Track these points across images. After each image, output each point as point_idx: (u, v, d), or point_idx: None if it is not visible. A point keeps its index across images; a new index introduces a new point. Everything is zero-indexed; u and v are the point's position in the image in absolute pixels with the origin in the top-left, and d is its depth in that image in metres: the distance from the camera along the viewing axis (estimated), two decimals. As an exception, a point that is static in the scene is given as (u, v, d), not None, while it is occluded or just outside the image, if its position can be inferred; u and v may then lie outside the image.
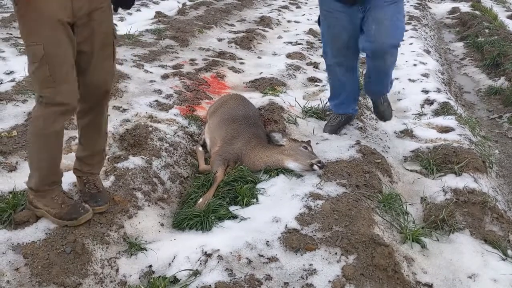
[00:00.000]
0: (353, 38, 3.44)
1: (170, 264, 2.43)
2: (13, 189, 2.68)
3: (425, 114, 4.62)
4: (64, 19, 2.17)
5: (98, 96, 2.46)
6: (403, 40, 3.52)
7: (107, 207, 2.63)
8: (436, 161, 3.45)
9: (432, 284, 2.34)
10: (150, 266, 2.45)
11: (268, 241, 2.53)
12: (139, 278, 2.39)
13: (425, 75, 5.70)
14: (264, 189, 3.11)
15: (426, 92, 5.14)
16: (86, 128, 2.57)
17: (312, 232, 2.61)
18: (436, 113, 4.55)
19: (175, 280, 2.31)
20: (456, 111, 4.54)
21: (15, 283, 2.12)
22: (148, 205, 2.86)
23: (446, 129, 4.07)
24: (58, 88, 2.18)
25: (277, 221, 2.70)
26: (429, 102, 4.87)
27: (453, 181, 3.16)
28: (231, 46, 6.68)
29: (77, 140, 2.73)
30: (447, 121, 4.22)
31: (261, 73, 5.53)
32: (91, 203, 2.57)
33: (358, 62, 3.82)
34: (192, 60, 5.73)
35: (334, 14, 3.42)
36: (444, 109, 4.55)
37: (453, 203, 2.90)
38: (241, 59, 6.17)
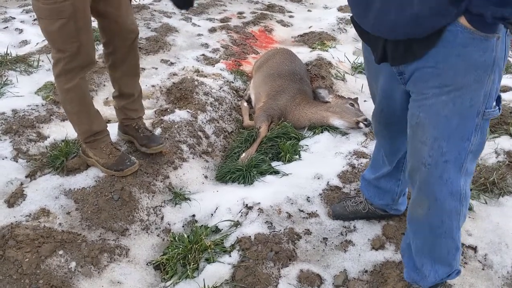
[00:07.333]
0: (391, 108, 1.82)
1: (212, 214, 2.50)
2: (65, 137, 2.81)
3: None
4: None
5: (131, 40, 2.43)
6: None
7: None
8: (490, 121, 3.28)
9: (476, 246, 2.28)
10: (193, 215, 2.53)
11: (309, 197, 2.54)
12: (183, 226, 2.48)
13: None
14: (308, 146, 3.10)
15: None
16: (125, 77, 2.57)
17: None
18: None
19: (216, 229, 2.38)
20: (517, 70, 4.26)
21: (66, 225, 2.26)
22: (193, 158, 2.93)
23: (503, 88, 3.83)
24: (81, 42, 2.16)
25: (319, 178, 2.70)
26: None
27: (507, 142, 3.00)
28: (281, -1, 6.51)
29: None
30: (506, 80, 3.97)
31: (310, 27, 5.38)
32: (151, 144, 2.68)
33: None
34: (240, 13, 5.64)
35: (367, 61, 1.81)
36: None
37: (505, 166, 2.77)
38: (290, 12, 6.02)
